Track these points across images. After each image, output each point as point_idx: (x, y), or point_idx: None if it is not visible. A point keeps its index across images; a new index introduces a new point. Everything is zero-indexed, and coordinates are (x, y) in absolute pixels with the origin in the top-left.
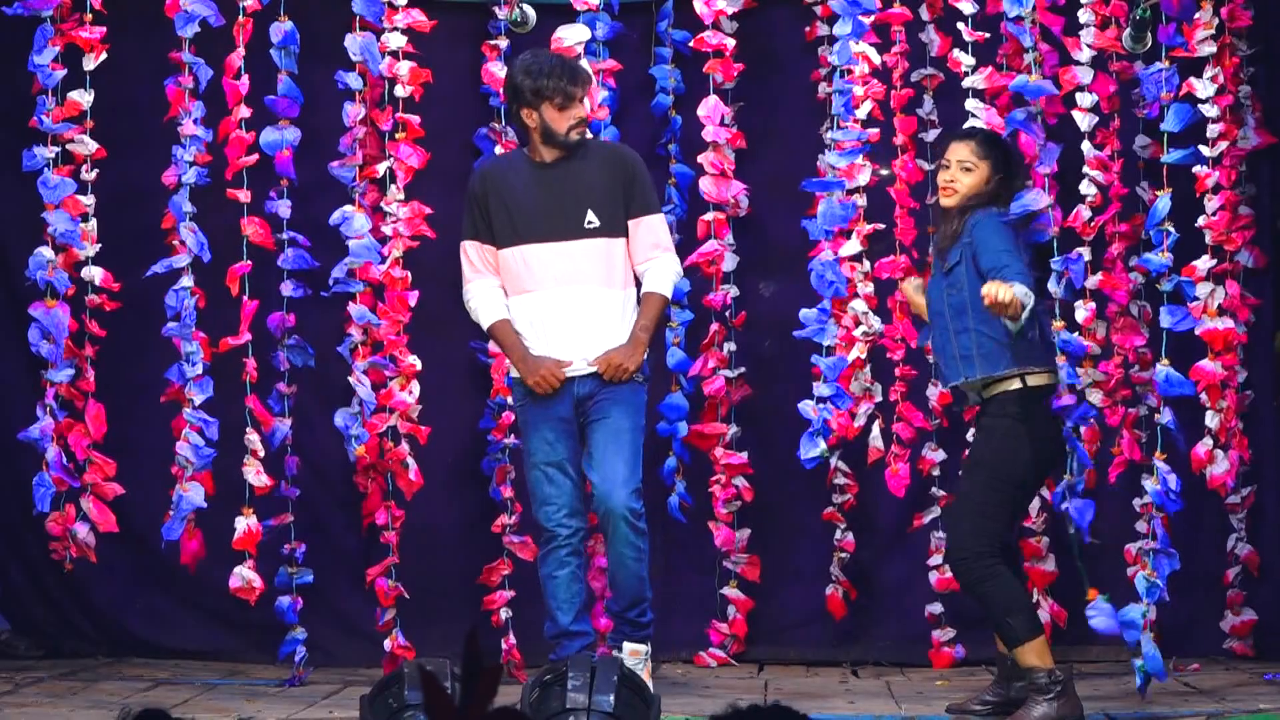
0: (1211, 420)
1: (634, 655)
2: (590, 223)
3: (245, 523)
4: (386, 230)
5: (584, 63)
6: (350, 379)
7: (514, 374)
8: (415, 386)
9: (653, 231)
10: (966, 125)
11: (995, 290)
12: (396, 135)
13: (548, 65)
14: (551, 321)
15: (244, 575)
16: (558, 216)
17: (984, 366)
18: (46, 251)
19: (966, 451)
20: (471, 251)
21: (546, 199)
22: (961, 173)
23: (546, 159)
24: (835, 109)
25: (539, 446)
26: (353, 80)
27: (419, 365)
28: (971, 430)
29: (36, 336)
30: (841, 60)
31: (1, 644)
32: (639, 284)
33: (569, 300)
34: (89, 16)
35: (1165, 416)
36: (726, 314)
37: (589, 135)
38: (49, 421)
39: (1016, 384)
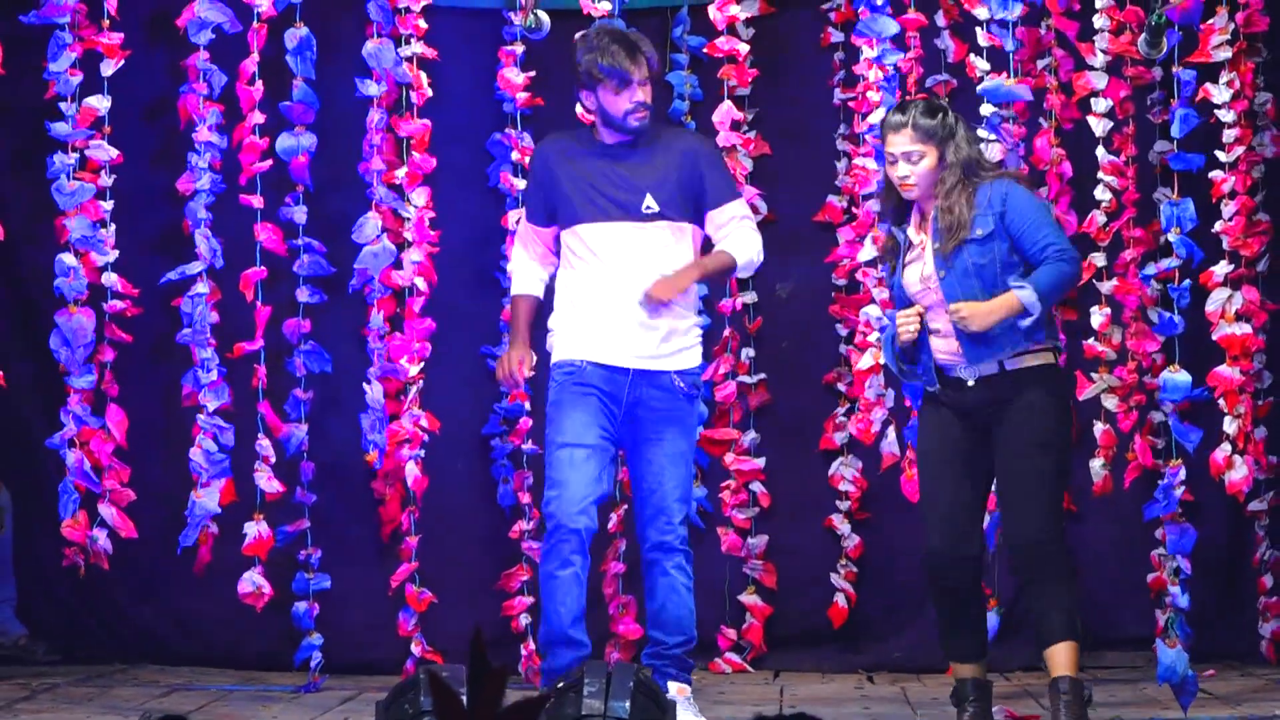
0: (1229, 426)
1: (681, 694)
2: (649, 207)
3: (256, 529)
4: (407, 235)
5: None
6: (365, 385)
7: (556, 358)
8: (412, 390)
9: (733, 215)
10: (897, 104)
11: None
12: (413, 140)
13: (604, 43)
14: (604, 303)
15: (254, 581)
16: (614, 198)
17: (1029, 334)
18: (69, 258)
19: (1006, 432)
20: (523, 229)
21: (605, 180)
22: (910, 165)
23: (609, 141)
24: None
25: (569, 426)
26: (371, 88)
27: (413, 371)
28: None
29: (58, 343)
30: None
31: (19, 649)
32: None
33: (623, 283)
34: (106, 23)
35: (1171, 420)
36: (744, 320)
37: (659, 120)
38: (72, 428)
39: (1051, 357)
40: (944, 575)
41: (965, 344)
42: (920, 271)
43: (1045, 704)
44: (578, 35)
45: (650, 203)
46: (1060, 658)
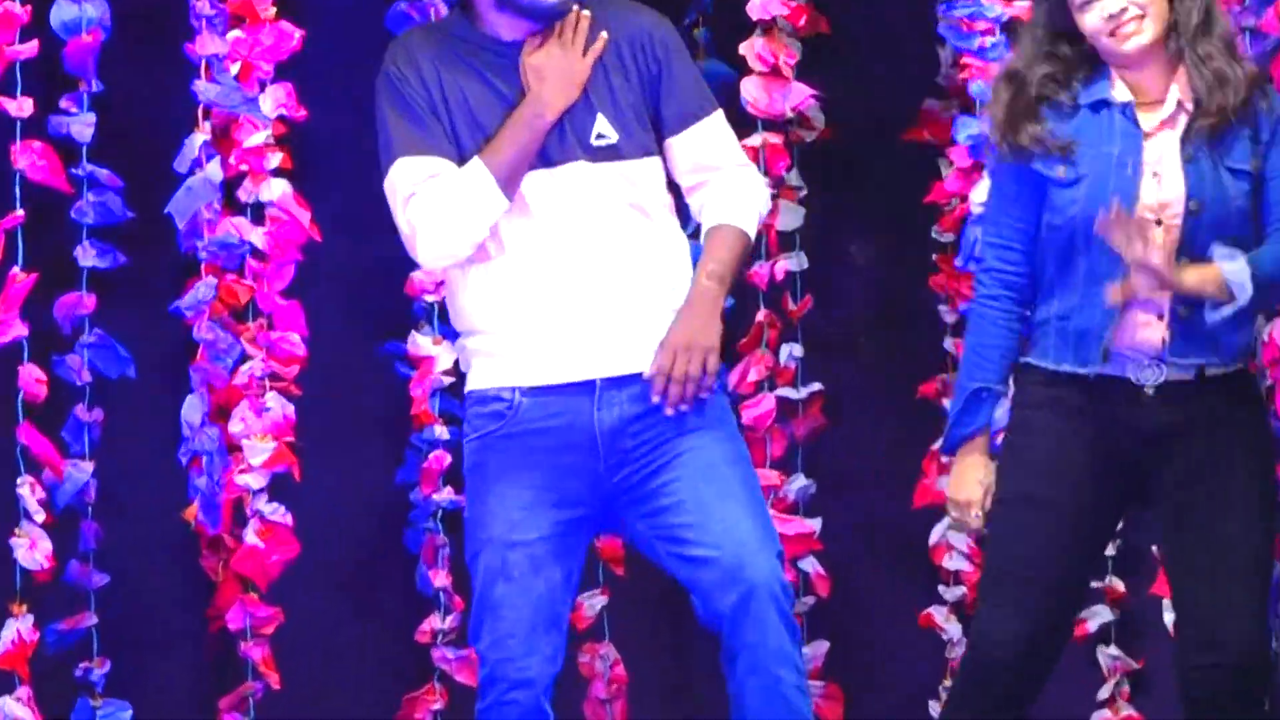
0: None
1: None
2: (601, 136)
3: (15, 627)
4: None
5: None
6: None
7: (470, 386)
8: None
9: (711, 141)
10: None
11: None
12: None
13: None
14: (540, 296)
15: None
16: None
17: (1223, 334)
18: None
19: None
20: (411, 169)
21: (519, 100)
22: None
23: (505, 37)
24: None
25: (497, 510)
26: None
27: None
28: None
29: None
30: None
31: None
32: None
33: (567, 259)
34: None
35: None
36: (785, 300)
37: None
38: None
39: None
40: (1007, 673)
41: (1176, 325)
42: (1154, 193)
43: None
44: None
45: (604, 128)
46: None
